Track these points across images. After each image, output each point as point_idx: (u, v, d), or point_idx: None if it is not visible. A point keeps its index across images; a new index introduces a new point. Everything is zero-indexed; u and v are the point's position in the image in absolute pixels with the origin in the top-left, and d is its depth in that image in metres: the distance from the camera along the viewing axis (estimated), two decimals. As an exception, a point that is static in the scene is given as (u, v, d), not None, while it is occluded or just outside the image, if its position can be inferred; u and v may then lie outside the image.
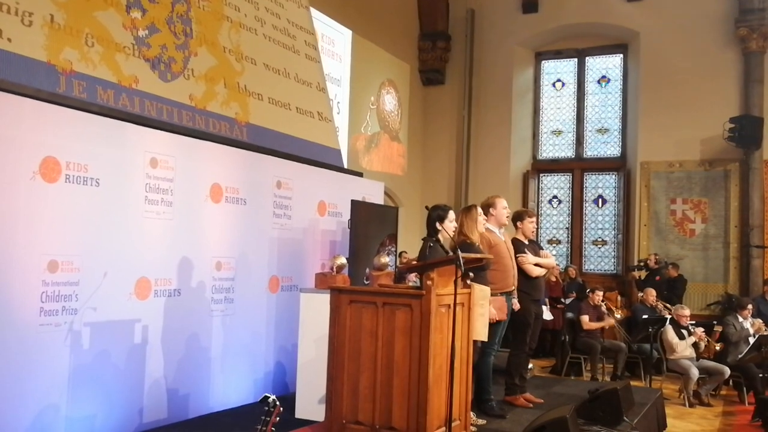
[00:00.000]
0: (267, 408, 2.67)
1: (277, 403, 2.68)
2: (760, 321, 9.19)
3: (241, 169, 6.49)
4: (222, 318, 6.17)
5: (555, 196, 13.89)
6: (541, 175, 14.03)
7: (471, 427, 4.73)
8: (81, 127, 4.93)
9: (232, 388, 6.21)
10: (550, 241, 13.78)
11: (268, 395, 2.68)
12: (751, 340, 8.46)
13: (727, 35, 11.97)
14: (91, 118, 5.10)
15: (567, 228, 13.69)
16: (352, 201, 7.31)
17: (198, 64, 6.86)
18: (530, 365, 7.50)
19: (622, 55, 13.57)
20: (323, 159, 8.36)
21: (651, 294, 10.19)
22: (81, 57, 5.58)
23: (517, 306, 5.94)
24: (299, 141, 8.18)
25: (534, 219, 6.59)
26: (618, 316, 10.28)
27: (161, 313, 5.52)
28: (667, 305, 10.27)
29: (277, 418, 2.67)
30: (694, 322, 8.98)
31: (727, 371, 8.36)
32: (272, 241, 6.85)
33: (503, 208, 6.11)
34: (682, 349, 8.41)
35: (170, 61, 6.54)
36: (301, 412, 5.57)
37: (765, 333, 8.66)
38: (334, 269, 5.92)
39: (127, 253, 5.22)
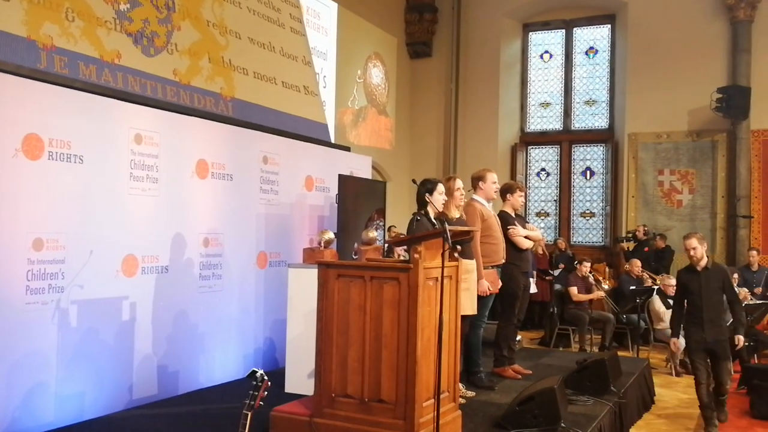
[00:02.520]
0: (255, 383, 2.67)
1: (265, 377, 2.69)
2: (746, 290, 9.27)
3: (227, 144, 6.45)
4: (210, 294, 6.17)
5: (543, 169, 13.89)
6: (529, 147, 14.01)
7: (460, 399, 4.76)
8: (63, 103, 4.87)
9: (221, 363, 6.23)
10: (538, 214, 13.81)
11: (256, 370, 2.69)
12: (737, 309, 8.51)
13: (715, 4, 11.92)
14: (73, 94, 5.05)
15: (555, 200, 13.72)
16: (340, 176, 7.29)
17: (181, 39, 6.79)
18: (518, 337, 7.54)
19: (609, 26, 13.49)
20: (310, 134, 8.32)
21: (636, 265, 10.25)
22: (62, 32, 5.50)
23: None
24: (285, 116, 8.13)
25: (523, 193, 6.59)
26: (606, 287, 10.34)
27: (149, 290, 5.51)
28: (653, 275, 10.34)
29: (266, 393, 2.68)
30: (680, 292, 9.02)
31: (714, 340, 8.43)
32: (259, 216, 6.83)
33: (492, 183, 6.10)
34: (669, 318, 8.47)
35: (153, 36, 6.46)
36: (290, 387, 5.60)
37: (750, 302, 8.74)
38: (322, 244, 5.91)
39: (113, 231, 5.19)
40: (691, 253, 5.75)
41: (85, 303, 4.94)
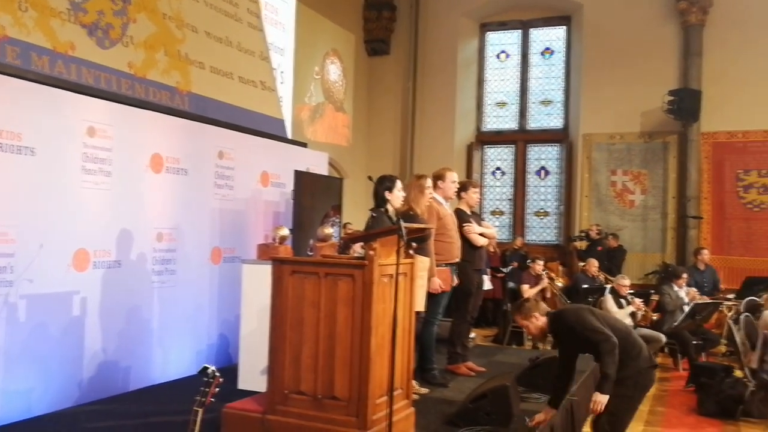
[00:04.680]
0: (206, 379, 2.66)
1: (217, 374, 2.68)
2: (695, 290, 9.50)
3: (183, 138, 6.39)
4: (163, 290, 6.10)
5: (498, 168, 14.03)
6: (485, 146, 14.14)
7: (413, 396, 4.78)
8: (15, 94, 4.78)
9: (174, 360, 6.17)
10: (493, 213, 13.95)
11: (208, 366, 2.67)
12: (686, 309, 8.72)
13: (668, 8, 12.18)
14: (25, 85, 4.95)
15: (510, 199, 13.87)
16: (296, 171, 7.27)
17: (137, 31, 6.69)
18: (472, 334, 7.60)
19: (565, 27, 13.69)
20: (266, 129, 8.28)
21: (593, 264, 10.41)
22: (14, 22, 5.38)
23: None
24: (242, 111, 8.07)
25: (478, 190, 6.65)
26: (559, 284, 10.49)
27: (100, 285, 5.43)
28: (609, 276, 10.52)
29: (217, 389, 2.67)
30: (632, 291, 9.22)
31: (664, 339, 8.61)
32: (214, 211, 6.78)
33: (452, 182, 6.14)
34: (621, 318, 8.62)
35: (108, 28, 6.36)
36: (243, 383, 5.57)
37: (699, 301, 8.95)
38: (277, 240, 5.89)
39: (64, 224, 5.10)
40: None
41: (34, 297, 4.85)
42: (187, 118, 6.73)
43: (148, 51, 6.82)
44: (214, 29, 7.75)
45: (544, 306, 4.59)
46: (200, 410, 2.62)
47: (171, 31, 7.14)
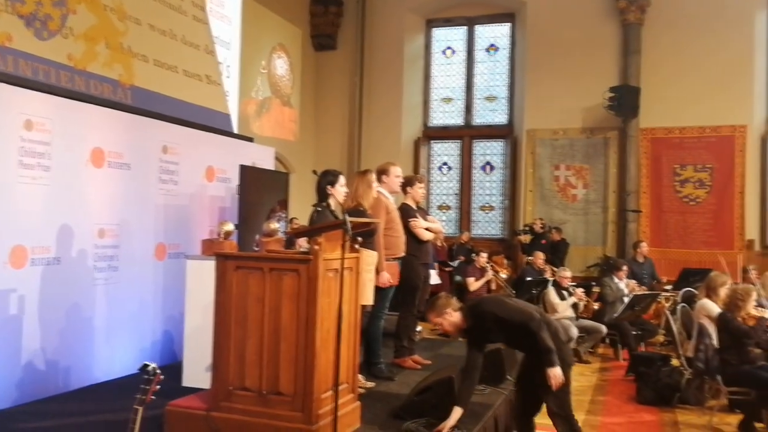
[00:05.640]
0: (147, 377, 2.63)
1: (158, 371, 2.65)
2: (634, 282, 9.75)
3: (125, 133, 6.27)
4: (106, 287, 5.99)
5: (445, 163, 14.16)
6: (431, 141, 14.25)
7: (359, 390, 4.81)
8: (-54, 86, 4.62)
9: (117, 358, 6.07)
10: (440, 207, 14.07)
11: (148, 363, 2.64)
12: (626, 300, 8.95)
13: (608, 6, 12.45)
14: (-44, 76, 4.79)
15: (456, 194, 14.01)
16: (242, 166, 7.21)
17: (77, 23, 6.54)
18: (419, 328, 7.66)
19: (510, 25, 13.87)
20: (212, 123, 8.18)
21: (540, 257, 10.60)
22: (-55, 11, 5.21)
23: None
24: (187, 105, 7.97)
25: (424, 185, 6.69)
26: (503, 275, 10.64)
27: (39, 282, 5.30)
28: (554, 268, 10.72)
29: (158, 387, 2.64)
30: (575, 283, 9.42)
31: (604, 330, 8.83)
32: (158, 207, 6.68)
33: (396, 176, 6.17)
34: (563, 309, 8.81)
35: (46, 19, 6.20)
36: (188, 380, 5.51)
37: (638, 293, 9.19)
38: (222, 235, 5.84)
39: (0, 220, 4.96)
40: None
41: (-32, 296, 4.71)
42: (129, 112, 6.61)
43: (88, 43, 6.67)
44: (158, 21, 7.63)
45: (456, 301, 4.53)
46: (140, 408, 2.59)
47: (113, 23, 7.01)
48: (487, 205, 13.85)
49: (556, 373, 4.16)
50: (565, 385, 4.27)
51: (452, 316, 4.42)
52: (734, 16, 11.93)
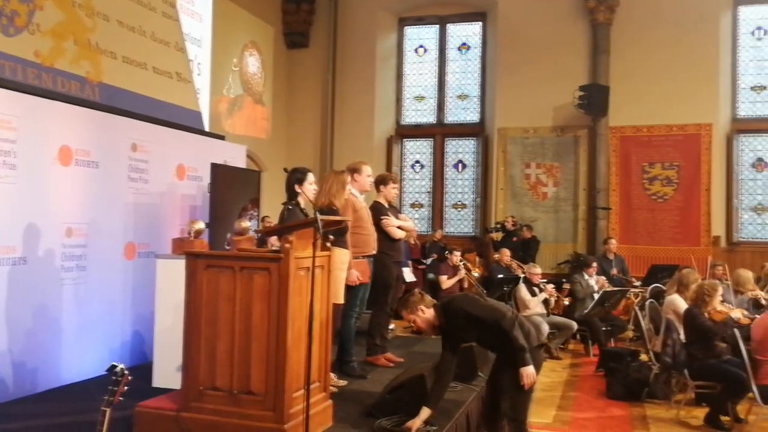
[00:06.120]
0: (114, 377, 2.60)
1: (126, 371, 2.62)
2: (604, 278, 9.87)
3: (93, 130, 6.19)
4: (74, 287, 5.92)
5: (418, 161, 14.19)
6: (404, 140, 14.26)
7: (332, 388, 4.81)
8: None
9: (86, 359, 5.99)
10: (413, 205, 14.09)
11: (116, 364, 2.61)
12: (596, 296, 9.05)
13: (578, 6, 12.56)
14: None
15: (429, 192, 14.05)
16: (213, 164, 7.17)
17: (44, 19, 6.46)
18: (392, 326, 7.68)
19: (481, 24, 13.93)
20: (182, 121, 8.12)
21: (505, 254, 10.69)
22: None
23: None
24: (157, 102, 7.90)
25: (397, 185, 6.70)
26: (475, 274, 10.70)
27: (5, 282, 5.23)
28: (521, 264, 10.81)
29: (126, 387, 2.61)
30: (545, 280, 9.50)
31: (575, 326, 8.92)
32: (127, 206, 6.61)
33: (367, 176, 6.17)
34: (534, 305, 8.87)
35: (13, 15, 6.12)
36: (158, 381, 5.46)
37: (608, 289, 9.30)
38: (192, 234, 5.81)
39: (-35, 220, 4.88)
40: None
41: (-68, 298, 4.62)
42: (98, 109, 6.53)
43: (56, 39, 6.59)
44: (127, 18, 7.55)
45: (429, 298, 4.51)
46: (108, 410, 2.56)
47: (80, 19, 6.92)
48: (459, 203, 13.90)
49: (528, 372, 4.12)
50: (526, 391, 4.21)
51: (425, 312, 4.41)
52: (700, 16, 12.10)
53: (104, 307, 6.27)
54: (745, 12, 12.54)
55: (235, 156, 8.50)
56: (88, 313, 6.06)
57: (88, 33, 7.00)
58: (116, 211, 6.48)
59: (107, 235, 6.32)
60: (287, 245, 3.92)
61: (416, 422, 4.29)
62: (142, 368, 5.73)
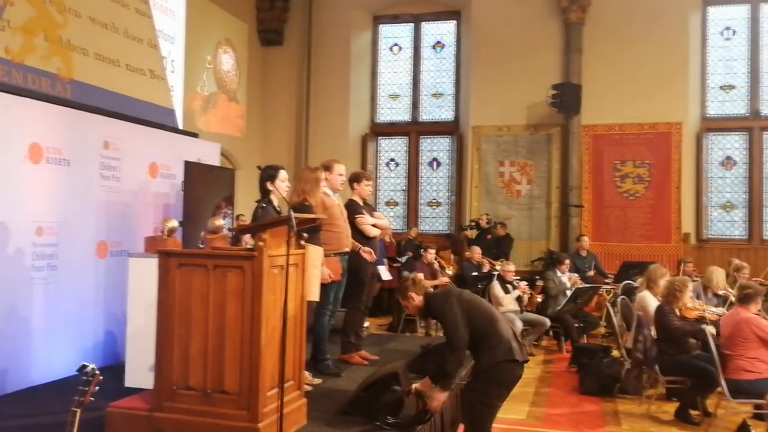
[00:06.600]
0: (85, 378, 2.57)
1: (97, 371, 2.60)
2: (576, 275, 9.97)
3: (64, 128, 6.13)
4: (44, 286, 5.85)
5: (392, 159, 14.20)
6: (379, 138, 14.26)
7: (306, 387, 4.80)
8: None
9: (56, 359, 5.92)
10: (388, 203, 14.10)
11: (86, 364, 2.59)
12: (568, 293, 9.13)
13: (551, 5, 12.65)
14: None
15: (404, 190, 14.07)
16: (186, 162, 7.12)
17: (15, 15, 6.37)
18: (366, 324, 7.68)
19: (455, 22, 13.98)
20: (156, 119, 8.06)
21: (476, 252, 10.76)
22: None
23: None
24: (129, 99, 7.83)
25: (371, 182, 6.70)
26: (450, 272, 10.75)
27: (-26, 282, 5.15)
28: (492, 261, 10.87)
29: (97, 388, 2.59)
30: (519, 277, 9.57)
31: (548, 322, 9.00)
32: (99, 204, 6.55)
33: (339, 174, 6.16)
34: (508, 302, 8.93)
35: (-19, 11, 6.02)
36: (130, 381, 5.41)
37: (580, 286, 9.39)
38: (165, 232, 5.77)
39: (-68, 219, 4.80)
40: None
41: None
42: (69, 107, 6.47)
43: (26, 36, 6.50)
44: (99, 14, 7.47)
45: (422, 284, 4.52)
46: (78, 410, 2.53)
47: (52, 16, 6.84)
48: (434, 201, 13.94)
49: (440, 398, 4.22)
50: (486, 407, 4.17)
51: (415, 300, 4.44)
52: (670, 16, 12.25)
53: (75, 306, 6.20)
54: (714, 12, 12.72)
55: (209, 154, 8.45)
56: (59, 312, 5.99)
57: (60, 29, 6.92)
58: (88, 209, 6.41)
59: (79, 233, 6.26)
60: (261, 243, 3.91)
61: (419, 387, 4.38)
62: (115, 368, 5.69)
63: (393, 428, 4.44)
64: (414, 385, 4.47)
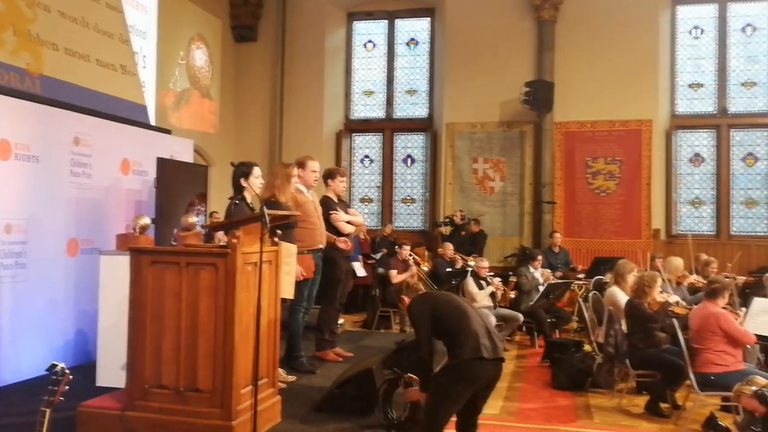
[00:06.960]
0: (55, 377, 2.55)
1: (66, 370, 2.57)
2: (549, 271, 10.05)
3: (33, 124, 6.05)
4: (12, 284, 5.77)
5: (367, 156, 14.20)
6: (353, 134, 14.25)
7: (280, 384, 4.80)
8: None
9: (25, 359, 5.85)
10: (362, 200, 14.10)
11: (56, 363, 2.56)
12: (541, 289, 9.20)
13: (524, 4, 12.73)
14: None
15: (378, 187, 14.07)
16: (159, 159, 7.06)
17: (-20, 9, 6.26)
18: (341, 320, 7.69)
19: (429, 19, 14.00)
20: (127, 115, 7.97)
21: (449, 248, 10.81)
22: None
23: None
24: (100, 95, 7.74)
25: (345, 178, 6.70)
26: (425, 268, 10.78)
27: (-60, 281, 5.06)
28: (464, 257, 10.92)
29: (66, 387, 2.56)
30: (492, 273, 9.61)
31: (521, 318, 9.05)
32: (70, 201, 6.47)
33: (312, 171, 6.17)
34: (482, 298, 8.95)
35: (-53, 4, 5.92)
36: (102, 380, 5.37)
37: (552, 282, 9.47)
38: (137, 230, 5.72)
39: None
40: None
41: None
42: (38, 102, 6.37)
43: (-7, 30, 6.40)
44: (69, 9, 7.37)
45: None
46: (48, 410, 2.50)
47: (20, 10, 6.74)
48: (408, 197, 13.97)
49: (411, 394, 4.43)
50: (446, 401, 4.09)
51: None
52: (641, 15, 12.39)
53: (45, 305, 6.13)
54: (683, 11, 12.88)
55: (182, 150, 8.38)
56: (28, 311, 5.91)
57: (29, 23, 6.82)
58: (58, 206, 6.34)
59: (48, 231, 6.18)
60: (234, 240, 3.90)
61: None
62: (86, 367, 5.63)
63: (393, 428, 4.48)
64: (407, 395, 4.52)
